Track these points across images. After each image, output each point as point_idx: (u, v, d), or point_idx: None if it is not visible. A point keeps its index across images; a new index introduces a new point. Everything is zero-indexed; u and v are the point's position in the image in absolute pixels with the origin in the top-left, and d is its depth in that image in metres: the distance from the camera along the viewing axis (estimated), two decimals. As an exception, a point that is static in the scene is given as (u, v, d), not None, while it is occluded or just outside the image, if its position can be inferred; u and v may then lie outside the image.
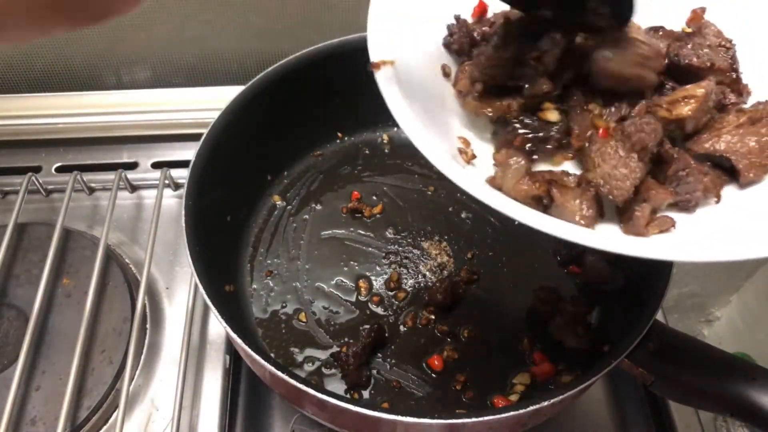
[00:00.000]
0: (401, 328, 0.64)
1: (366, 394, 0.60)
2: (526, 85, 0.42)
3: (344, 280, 0.67)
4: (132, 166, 0.81)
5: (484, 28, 0.46)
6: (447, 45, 0.47)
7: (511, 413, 0.46)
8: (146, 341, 0.67)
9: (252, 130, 0.67)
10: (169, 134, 0.82)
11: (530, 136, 0.42)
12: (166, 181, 0.77)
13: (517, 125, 0.43)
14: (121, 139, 0.82)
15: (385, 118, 0.79)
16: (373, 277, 0.67)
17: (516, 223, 0.36)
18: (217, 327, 0.69)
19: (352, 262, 0.68)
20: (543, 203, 0.40)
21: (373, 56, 0.42)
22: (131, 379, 0.63)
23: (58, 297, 0.68)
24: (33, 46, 0.83)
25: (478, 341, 0.63)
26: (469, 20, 0.48)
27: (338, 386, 0.60)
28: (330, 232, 0.71)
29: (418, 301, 0.65)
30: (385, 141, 0.79)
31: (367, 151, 0.78)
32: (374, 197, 0.74)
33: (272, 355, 0.62)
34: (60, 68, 0.86)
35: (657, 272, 0.54)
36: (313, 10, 0.82)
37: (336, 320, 0.64)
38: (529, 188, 0.39)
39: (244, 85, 0.65)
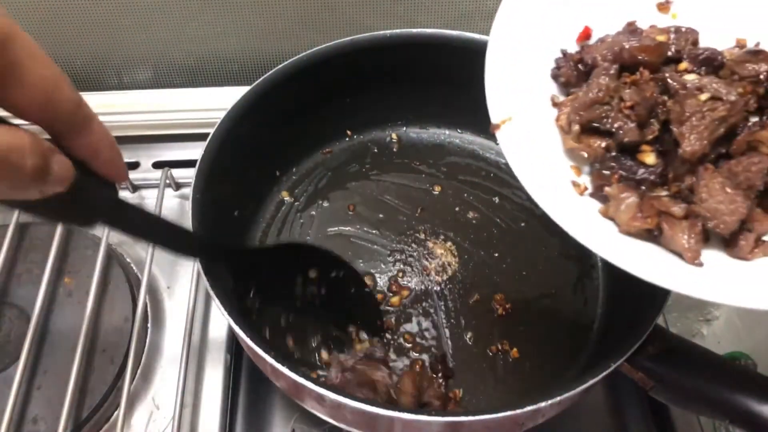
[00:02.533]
0: (401, 328, 0.64)
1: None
2: (619, 132, 0.44)
3: (348, 278, 0.68)
4: (133, 166, 0.81)
5: (588, 60, 0.47)
6: (555, 77, 0.49)
7: (509, 413, 0.46)
8: (147, 340, 0.67)
9: (262, 126, 0.67)
10: (171, 134, 0.82)
11: (626, 176, 0.44)
12: (167, 181, 0.78)
13: (614, 165, 0.44)
14: (122, 139, 0.81)
15: (394, 118, 0.80)
16: (377, 275, 0.68)
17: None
18: (218, 326, 0.69)
19: (357, 260, 0.69)
20: (654, 234, 0.42)
21: (494, 118, 0.45)
22: (132, 378, 0.63)
23: (59, 296, 0.68)
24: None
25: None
26: (575, 46, 0.50)
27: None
28: (336, 228, 0.72)
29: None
30: (393, 140, 0.79)
31: (375, 150, 0.79)
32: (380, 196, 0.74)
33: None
34: (61, 68, 0.86)
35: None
36: (314, 11, 0.82)
37: (337, 318, 0.65)
38: (642, 223, 0.42)
39: (246, 86, 0.65)
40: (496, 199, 0.74)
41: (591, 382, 0.48)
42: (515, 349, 0.63)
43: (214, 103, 0.81)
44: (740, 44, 0.47)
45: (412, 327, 0.64)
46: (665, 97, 0.44)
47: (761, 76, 0.43)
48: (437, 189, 0.75)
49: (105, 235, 0.70)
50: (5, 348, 0.64)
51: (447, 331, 0.64)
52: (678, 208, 0.41)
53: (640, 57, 0.45)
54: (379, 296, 0.66)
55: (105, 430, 0.62)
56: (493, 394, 0.61)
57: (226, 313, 0.51)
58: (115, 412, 0.62)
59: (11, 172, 0.28)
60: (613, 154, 0.45)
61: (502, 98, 0.46)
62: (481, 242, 0.70)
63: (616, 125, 0.44)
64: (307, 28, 0.84)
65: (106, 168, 0.35)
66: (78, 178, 0.32)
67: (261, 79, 0.66)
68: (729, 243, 0.41)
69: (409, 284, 0.67)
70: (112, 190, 0.38)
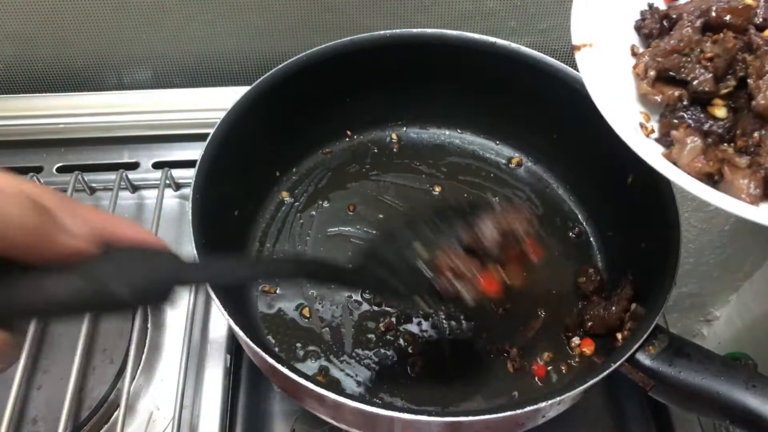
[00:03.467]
0: (402, 327, 0.64)
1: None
2: (694, 81, 0.45)
3: (348, 278, 0.68)
4: (133, 166, 0.81)
5: (674, 15, 0.49)
6: (638, 28, 0.51)
7: (509, 413, 0.46)
8: (147, 341, 0.67)
9: (262, 126, 0.67)
10: (170, 134, 0.82)
11: (694, 125, 0.45)
12: (167, 182, 0.77)
13: (684, 114, 0.46)
14: (122, 140, 0.82)
15: (394, 118, 0.80)
16: (376, 275, 0.68)
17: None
18: (218, 327, 0.69)
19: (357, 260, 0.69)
20: (713, 179, 0.43)
21: (575, 39, 0.48)
22: (132, 378, 0.63)
23: (59, 297, 0.68)
24: (34, 46, 0.83)
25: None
26: (663, 4, 0.52)
27: (339, 381, 0.60)
28: (336, 229, 0.72)
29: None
30: (393, 140, 0.79)
31: (375, 150, 0.79)
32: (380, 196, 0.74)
33: (275, 349, 0.63)
34: (61, 69, 0.86)
35: (660, 276, 0.54)
36: (314, 11, 0.82)
37: (339, 316, 0.65)
38: (703, 165, 0.43)
39: (246, 86, 0.65)
40: (496, 200, 0.74)
41: (591, 382, 0.48)
42: (515, 349, 0.63)
43: (214, 103, 0.81)
44: None
45: (412, 327, 0.64)
46: (746, 55, 0.45)
47: None
48: (437, 189, 0.75)
49: (105, 235, 0.70)
50: (5, 348, 0.64)
51: (447, 331, 0.64)
52: (742, 159, 0.43)
53: (726, 17, 0.47)
54: (378, 296, 0.66)
55: (105, 431, 0.62)
56: (493, 394, 0.60)
57: (225, 314, 0.51)
58: (115, 413, 0.62)
59: None
60: (685, 103, 0.46)
61: (586, 24, 0.49)
62: (481, 242, 0.70)
63: (692, 75, 0.46)
64: (307, 28, 0.84)
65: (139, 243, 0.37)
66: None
67: (261, 79, 0.66)
68: None
69: (410, 284, 0.67)
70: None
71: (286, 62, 0.67)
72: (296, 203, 0.74)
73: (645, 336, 0.50)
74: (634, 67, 0.49)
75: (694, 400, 0.51)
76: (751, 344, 1.02)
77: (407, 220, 0.55)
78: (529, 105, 0.72)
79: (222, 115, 0.63)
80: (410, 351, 0.63)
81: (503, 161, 0.78)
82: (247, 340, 0.50)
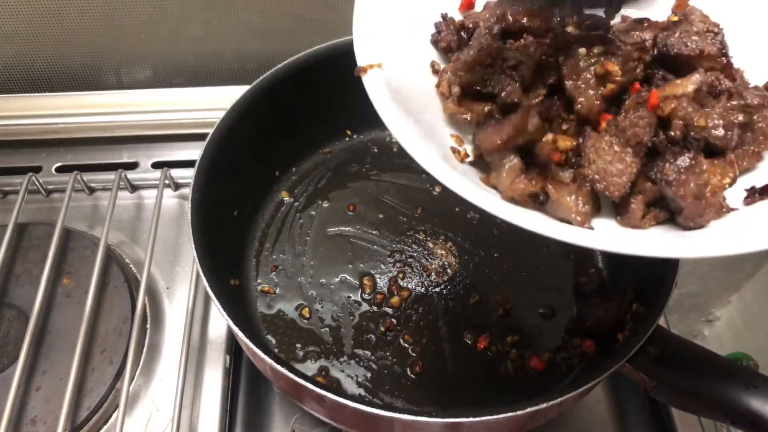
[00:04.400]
0: (402, 328, 0.64)
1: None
2: (501, 93, 0.42)
3: (349, 278, 0.67)
4: (132, 166, 0.81)
5: (470, 24, 0.46)
6: (434, 42, 0.47)
7: (509, 414, 0.46)
8: (146, 341, 0.67)
9: (261, 126, 0.67)
10: (170, 134, 0.82)
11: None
12: (167, 181, 0.77)
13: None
14: (121, 139, 0.82)
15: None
16: (377, 275, 0.68)
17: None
18: (218, 327, 0.69)
19: (357, 260, 0.69)
20: (539, 201, 0.40)
21: (360, 60, 0.42)
22: (131, 379, 0.63)
23: (58, 297, 0.68)
24: (33, 46, 0.83)
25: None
26: (458, 14, 0.47)
27: (339, 382, 0.60)
28: (336, 229, 0.72)
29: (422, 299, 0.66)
30: (393, 140, 0.79)
31: (375, 150, 0.78)
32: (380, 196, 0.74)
33: (275, 350, 0.62)
34: (60, 68, 0.86)
35: (660, 277, 0.54)
36: (314, 10, 0.82)
37: (339, 317, 0.65)
38: (526, 186, 0.39)
39: (245, 85, 0.65)
40: (497, 200, 0.74)
41: (592, 383, 0.48)
42: (515, 350, 0.62)
43: (214, 103, 0.81)
44: (625, 18, 0.46)
45: (412, 328, 0.64)
46: (557, 58, 0.42)
47: (647, 44, 0.42)
48: (437, 189, 0.75)
49: (104, 235, 0.70)
50: (4, 348, 0.64)
51: (447, 331, 0.64)
52: (565, 174, 0.39)
53: (523, 21, 0.43)
54: (378, 297, 0.66)
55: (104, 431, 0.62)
56: (493, 395, 0.60)
57: (225, 314, 0.50)
58: (114, 413, 0.62)
59: None
60: (498, 117, 0.42)
61: (373, 40, 0.43)
62: (481, 243, 0.70)
63: (498, 87, 0.42)
64: (307, 28, 0.84)
65: None
66: None
67: (260, 78, 0.66)
68: (620, 209, 0.39)
69: (409, 285, 0.67)
70: None
71: (285, 62, 0.67)
72: (296, 203, 0.74)
73: (646, 337, 0.50)
74: (437, 86, 0.44)
75: (695, 401, 0.50)
76: (752, 344, 1.02)
77: None
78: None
79: (221, 114, 0.63)
80: (410, 352, 0.63)
81: (503, 161, 0.78)
82: (247, 340, 0.49)
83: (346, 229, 0.72)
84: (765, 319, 1.01)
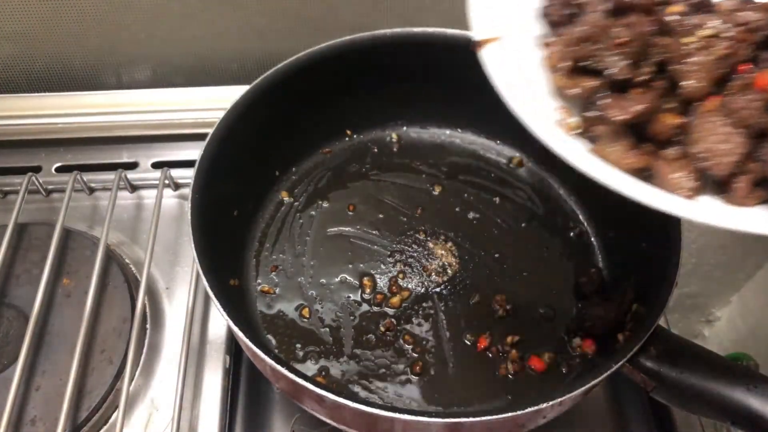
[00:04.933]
0: (402, 328, 0.64)
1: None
2: (609, 69, 0.43)
3: (349, 278, 0.67)
4: (132, 166, 0.81)
5: (579, 1, 0.46)
6: (543, 16, 0.47)
7: (510, 414, 0.46)
8: (146, 341, 0.67)
9: (261, 126, 0.67)
10: (170, 134, 0.82)
11: None
12: (166, 181, 0.77)
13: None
14: (121, 139, 0.82)
15: (395, 117, 0.79)
16: (377, 276, 0.68)
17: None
18: (217, 327, 0.69)
19: (357, 260, 0.69)
20: (644, 175, 0.41)
21: (477, 35, 0.44)
22: (131, 379, 0.63)
23: (58, 297, 0.68)
24: (33, 46, 0.83)
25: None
26: None
27: (339, 381, 0.60)
28: (336, 229, 0.72)
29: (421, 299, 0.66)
30: (393, 140, 0.79)
31: (375, 150, 0.78)
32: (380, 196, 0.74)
33: (275, 350, 0.62)
34: (60, 68, 0.86)
35: (661, 277, 0.54)
36: (314, 10, 0.82)
37: (339, 317, 0.65)
38: (634, 160, 0.40)
39: (245, 85, 0.65)
40: (497, 200, 0.74)
41: (592, 383, 0.48)
42: (515, 350, 0.62)
43: (214, 103, 0.81)
44: None
45: (412, 328, 0.64)
46: (660, 38, 0.42)
47: (756, 24, 0.41)
48: (437, 189, 0.75)
49: (104, 235, 0.70)
50: (4, 349, 0.64)
51: (447, 332, 0.64)
52: (672, 150, 0.40)
53: None
54: (378, 297, 0.66)
55: (104, 432, 0.62)
56: (493, 395, 0.60)
57: (225, 314, 0.50)
58: (114, 414, 0.62)
59: None
60: (604, 93, 0.43)
61: (488, 14, 0.45)
62: (481, 243, 0.70)
63: (606, 63, 0.43)
64: (307, 28, 0.84)
65: None
66: None
67: (260, 78, 0.65)
68: (724, 187, 0.40)
69: (410, 285, 0.67)
70: None
71: (285, 62, 0.67)
72: (296, 203, 0.74)
73: (646, 337, 0.50)
74: (546, 59, 0.46)
75: (696, 401, 0.50)
76: (752, 344, 1.02)
77: None
78: (530, 104, 0.72)
79: (221, 114, 0.63)
80: (410, 352, 0.62)
81: (504, 161, 0.78)
82: (247, 340, 0.49)
83: (346, 229, 0.72)
84: (765, 319, 1.01)
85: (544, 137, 0.40)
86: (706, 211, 0.38)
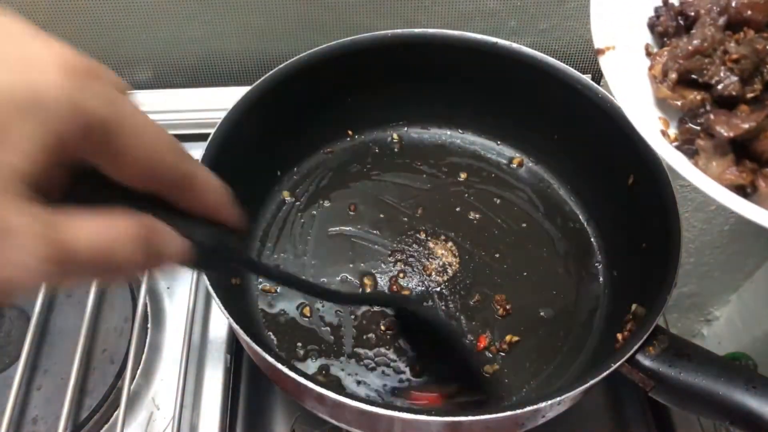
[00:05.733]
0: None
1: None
2: (718, 85, 0.43)
3: (349, 277, 0.68)
4: (133, 166, 0.81)
5: (690, 12, 0.47)
6: (651, 26, 0.48)
7: (509, 413, 0.46)
8: (147, 341, 0.67)
9: (262, 126, 0.67)
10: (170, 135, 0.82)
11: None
12: (167, 181, 0.77)
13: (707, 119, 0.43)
14: (122, 139, 0.82)
15: (396, 118, 0.80)
16: (378, 275, 0.68)
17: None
18: (218, 326, 0.69)
19: (357, 259, 0.69)
20: (746, 192, 0.41)
21: (598, 42, 0.46)
22: (132, 378, 0.63)
23: (59, 297, 0.68)
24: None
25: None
26: (676, 1, 0.49)
27: (339, 380, 0.60)
28: (337, 228, 0.72)
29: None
30: (395, 140, 0.79)
31: (376, 150, 0.79)
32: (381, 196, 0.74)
33: (276, 348, 0.63)
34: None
35: (660, 277, 0.54)
36: (315, 11, 0.82)
37: (339, 316, 0.65)
38: (736, 177, 0.41)
39: (246, 86, 0.65)
40: (497, 200, 0.74)
41: (591, 382, 0.48)
42: (516, 350, 0.63)
43: (215, 104, 0.81)
44: None
45: (412, 327, 0.64)
46: None
47: None
48: (438, 189, 0.75)
49: (105, 235, 0.70)
50: (5, 348, 0.64)
51: (447, 331, 0.64)
52: None
53: (746, 14, 0.44)
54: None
55: (105, 431, 0.62)
56: (494, 394, 0.60)
57: (226, 313, 0.51)
58: (115, 413, 0.62)
59: (116, 267, 0.27)
60: (708, 107, 0.43)
61: (606, 24, 0.47)
62: (482, 243, 0.70)
63: (716, 78, 0.43)
64: (307, 28, 0.84)
65: (220, 217, 0.35)
66: (201, 246, 0.32)
67: (261, 79, 0.66)
68: None
69: (410, 284, 0.67)
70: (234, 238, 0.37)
71: (286, 62, 0.67)
72: (297, 203, 0.74)
73: (645, 336, 0.50)
74: (650, 69, 0.46)
75: (694, 401, 0.50)
76: (751, 344, 1.02)
77: None
78: (530, 105, 0.72)
79: (222, 115, 0.63)
80: (410, 351, 0.63)
81: (504, 161, 0.78)
82: (248, 339, 0.50)
83: (347, 228, 0.72)
84: (764, 319, 1.01)
85: (657, 147, 0.41)
86: None
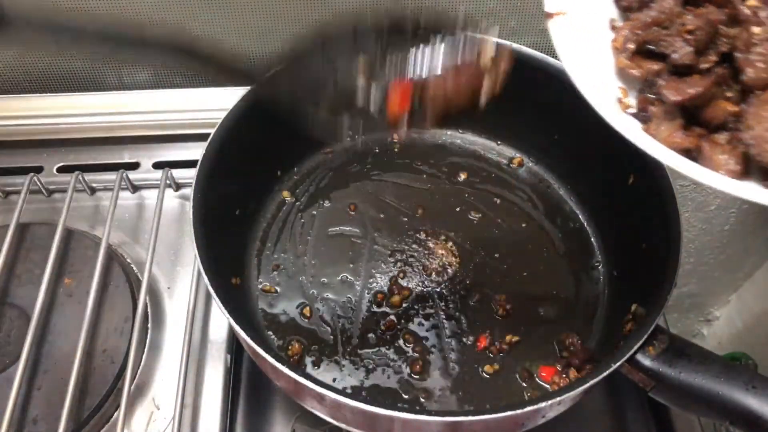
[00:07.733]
0: (403, 326, 0.64)
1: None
2: (674, 54, 0.44)
3: (349, 277, 0.68)
4: (133, 166, 0.81)
5: None
6: (616, 1, 0.49)
7: (509, 413, 0.46)
8: (147, 341, 0.67)
9: (262, 126, 0.67)
10: (171, 134, 0.82)
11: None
12: (168, 182, 0.78)
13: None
14: (122, 140, 0.82)
15: (395, 118, 0.80)
16: (378, 275, 0.68)
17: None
18: (219, 326, 0.69)
19: (357, 260, 0.69)
20: (691, 156, 0.42)
21: (548, 6, 0.47)
22: (132, 378, 0.63)
23: (59, 297, 0.68)
24: (35, 46, 0.83)
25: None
26: None
27: (338, 380, 0.60)
28: (337, 228, 0.72)
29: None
30: (394, 140, 0.79)
31: (376, 150, 0.79)
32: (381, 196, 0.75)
33: (275, 348, 0.63)
34: (61, 68, 0.86)
35: (660, 277, 0.54)
36: (315, 11, 0.82)
37: (339, 316, 0.65)
38: (682, 140, 0.42)
39: (246, 86, 0.65)
40: (497, 200, 0.74)
41: (591, 382, 0.48)
42: (516, 350, 0.63)
43: (215, 104, 0.81)
44: None
45: (413, 327, 0.64)
46: (729, 29, 0.44)
47: None
48: (438, 189, 0.75)
49: (105, 235, 0.70)
50: (5, 348, 0.64)
51: (448, 331, 0.64)
52: (721, 136, 0.42)
53: None
54: (379, 296, 0.66)
55: (105, 431, 0.62)
56: (494, 394, 0.60)
57: (226, 313, 0.51)
58: (116, 413, 0.62)
59: None
60: (664, 78, 0.45)
61: None
62: (482, 243, 0.70)
63: (672, 48, 0.44)
64: (307, 28, 0.84)
65: None
66: None
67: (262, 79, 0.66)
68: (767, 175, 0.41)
69: (410, 284, 0.67)
70: None
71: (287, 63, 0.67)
72: (297, 203, 0.74)
73: (645, 336, 0.50)
74: (613, 41, 0.48)
75: (694, 401, 0.51)
76: (751, 344, 1.02)
77: (355, 27, 0.52)
78: (531, 105, 0.72)
79: (223, 115, 0.63)
80: (410, 351, 0.63)
81: (504, 161, 0.78)
82: (248, 338, 0.50)
83: (348, 228, 0.72)
84: (764, 318, 1.01)
85: (600, 109, 0.42)
86: (746, 188, 0.39)
